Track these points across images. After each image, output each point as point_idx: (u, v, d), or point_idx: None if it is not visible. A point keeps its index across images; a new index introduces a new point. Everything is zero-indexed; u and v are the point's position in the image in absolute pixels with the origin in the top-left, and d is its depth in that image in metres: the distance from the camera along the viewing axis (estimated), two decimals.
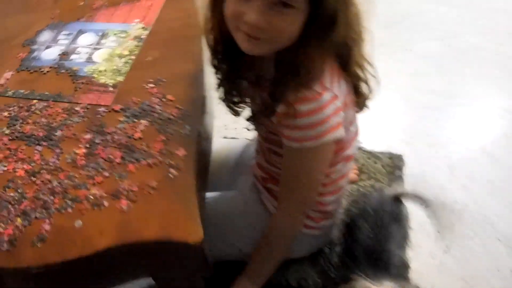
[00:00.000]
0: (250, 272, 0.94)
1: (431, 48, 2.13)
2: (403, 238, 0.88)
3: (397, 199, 0.95)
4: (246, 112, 0.94)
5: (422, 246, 1.12)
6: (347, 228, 0.93)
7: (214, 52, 0.88)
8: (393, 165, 1.37)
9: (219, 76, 0.91)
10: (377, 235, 0.83)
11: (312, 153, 0.82)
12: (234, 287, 0.94)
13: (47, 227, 0.72)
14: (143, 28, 1.07)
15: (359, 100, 0.88)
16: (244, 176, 1.09)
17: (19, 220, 0.73)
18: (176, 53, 1.00)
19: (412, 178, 1.44)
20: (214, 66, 0.90)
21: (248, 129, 0.97)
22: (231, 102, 0.93)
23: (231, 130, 1.57)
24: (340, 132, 0.80)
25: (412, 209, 0.96)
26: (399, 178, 1.34)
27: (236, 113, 0.95)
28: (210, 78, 0.94)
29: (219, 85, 0.92)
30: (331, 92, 0.77)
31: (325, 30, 0.72)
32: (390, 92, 1.75)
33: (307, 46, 0.74)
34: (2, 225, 0.72)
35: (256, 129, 0.94)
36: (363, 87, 0.86)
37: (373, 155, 1.40)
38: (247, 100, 0.94)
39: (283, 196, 0.91)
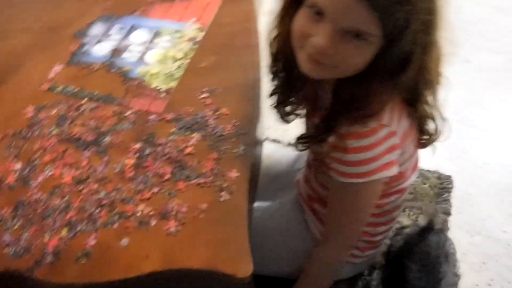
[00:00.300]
0: None
1: (489, 61, 2.01)
2: (455, 277, 0.83)
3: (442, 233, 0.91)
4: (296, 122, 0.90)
5: (464, 277, 1.06)
6: (391, 265, 0.88)
7: (275, 59, 0.83)
8: (441, 186, 1.32)
9: (275, 83, 0.86)
10: (428, 276, 0.78)
11: (359, 190, 0.77)
12: None
13: (92, 242, 0.69)
14: (199, 29, 1.02)
15: (423, 138, 0.82)
16: (289, 189, 1.05)
17: (64, 231, 0.70)
18: (232, 61, 0.95)
19: (458, 201, 1.38)
20: (273, 73, 0.85)
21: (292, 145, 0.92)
22: (284, 111, 0.89)
23: (273, 131, 1.52)
24: (392, 171, 0.75)
25: (455, 240, 0.90)
26: (447, 201, 1.28)
27: (287, 122, 0.91)
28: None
29: (274, 92, 0.87)
30: (388, 128, 0.71)
31: (395, 70, 0.66)
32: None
33: (371, 81, 0.68)
34: (47, 235, 0.70)
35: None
36: (430, 125, 0.80)
37: (421, 174, 1.35)
38: (300, 112, 0.89)
39: (329, 230, 0.88)
